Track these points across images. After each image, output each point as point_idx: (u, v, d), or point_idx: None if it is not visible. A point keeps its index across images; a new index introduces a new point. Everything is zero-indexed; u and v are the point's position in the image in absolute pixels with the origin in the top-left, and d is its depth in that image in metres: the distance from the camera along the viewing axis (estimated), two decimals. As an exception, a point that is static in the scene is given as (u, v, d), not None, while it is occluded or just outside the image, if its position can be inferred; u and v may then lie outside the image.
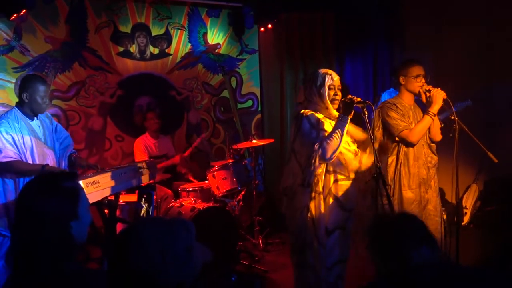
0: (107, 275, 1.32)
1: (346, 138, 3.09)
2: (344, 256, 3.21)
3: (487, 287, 1.62)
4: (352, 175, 3.17)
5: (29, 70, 5.35)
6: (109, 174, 3.46)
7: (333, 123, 3.08)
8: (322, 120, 3.08)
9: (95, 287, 1.55)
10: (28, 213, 1.58)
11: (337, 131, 2.97)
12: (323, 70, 3.17)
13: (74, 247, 1.63)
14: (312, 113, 3.10)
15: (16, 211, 1.63)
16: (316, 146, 3.00)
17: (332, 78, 3.11)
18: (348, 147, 3.13)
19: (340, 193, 3.12)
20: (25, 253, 1.56)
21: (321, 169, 3.07)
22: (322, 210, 3.09)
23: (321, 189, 3.10)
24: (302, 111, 3.13)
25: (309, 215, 3.11)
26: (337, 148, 2.99)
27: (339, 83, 3.15)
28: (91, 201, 3.12)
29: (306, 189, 3.12)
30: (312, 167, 3.04)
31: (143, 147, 5.55)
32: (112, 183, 3.49)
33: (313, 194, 3.11)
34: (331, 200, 3.12)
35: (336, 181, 3.12)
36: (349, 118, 3.01)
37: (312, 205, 3.10)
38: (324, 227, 3.10)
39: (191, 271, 1.34)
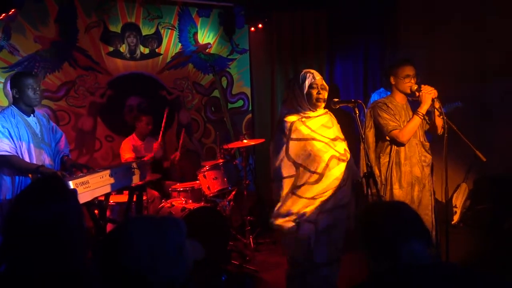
0: (99, 274, 1.31)
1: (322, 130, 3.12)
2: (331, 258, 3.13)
3: None
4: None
5: (19, 70, 5.30)
6: (99, 174, 3.44)
7: (310, 123, 3.09)
8: (297, 122, 3.09)
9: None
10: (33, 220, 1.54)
11: None
12: (305, 70, 3.18)
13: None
14: (288, 119, 3.11)
15: (14, 223, 1.59)
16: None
17: (314, 77, 3.10)
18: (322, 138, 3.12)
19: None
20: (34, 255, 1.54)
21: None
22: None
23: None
24: (284, 117, 3.14)
25: None
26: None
27: (322, 82, 3.13)
28: (81, 201, 3.11)
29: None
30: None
31: (131, 146, 5.52)
32: (103, 184, 3.47)
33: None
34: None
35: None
36: None
37: None
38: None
39: (182, 270, 1.33)
